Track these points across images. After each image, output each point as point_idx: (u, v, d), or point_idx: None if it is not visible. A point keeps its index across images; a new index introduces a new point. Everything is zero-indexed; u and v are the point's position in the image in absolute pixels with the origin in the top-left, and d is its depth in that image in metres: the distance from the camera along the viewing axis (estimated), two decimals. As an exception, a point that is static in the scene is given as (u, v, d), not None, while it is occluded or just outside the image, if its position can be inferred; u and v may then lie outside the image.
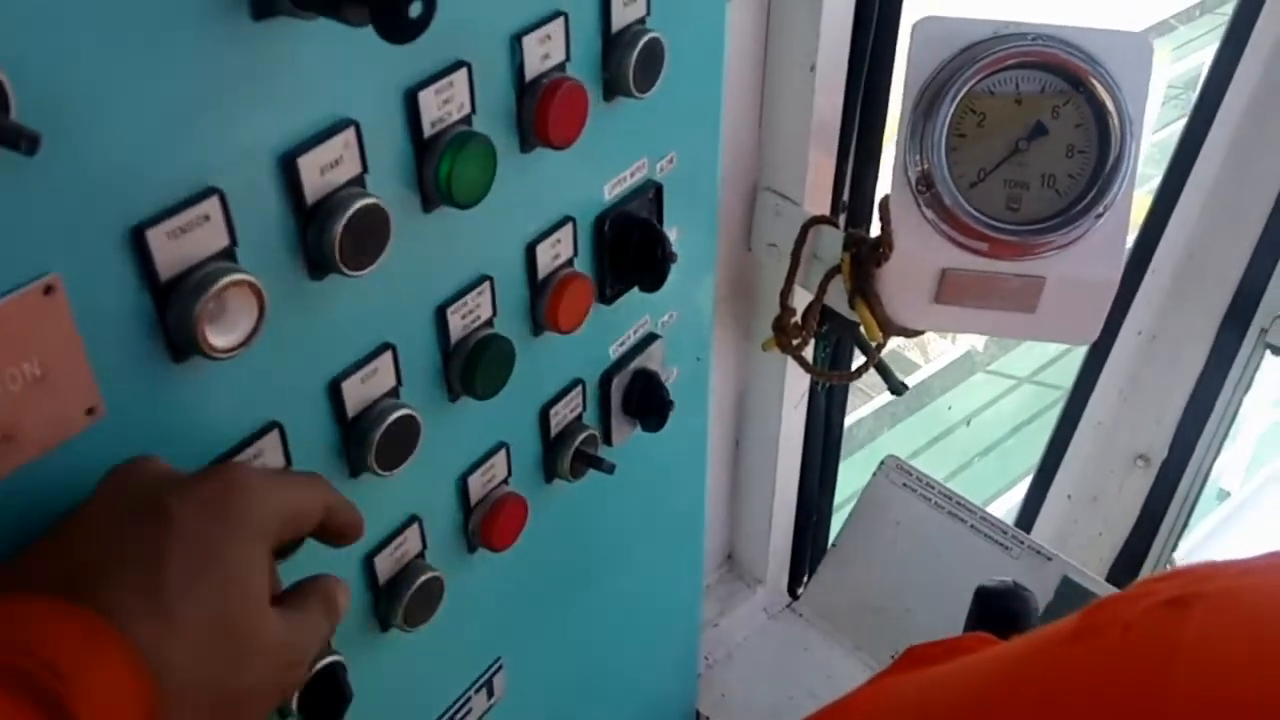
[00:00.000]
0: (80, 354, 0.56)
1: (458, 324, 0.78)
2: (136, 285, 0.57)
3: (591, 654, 1.18)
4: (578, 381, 0.94)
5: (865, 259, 1.13)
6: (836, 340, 1.35)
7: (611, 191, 0.88)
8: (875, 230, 1.13)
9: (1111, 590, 1.33)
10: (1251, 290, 1.62)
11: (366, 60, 0.64)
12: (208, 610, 0.52)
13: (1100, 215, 1.02)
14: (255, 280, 0.60)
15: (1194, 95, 1.56)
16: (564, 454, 0.94)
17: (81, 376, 0.56)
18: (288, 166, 0.62)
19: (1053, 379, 7.24)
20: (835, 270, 1.18)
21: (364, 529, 0.65)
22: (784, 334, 1.24)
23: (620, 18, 0.79)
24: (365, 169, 0.66)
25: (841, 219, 1.26)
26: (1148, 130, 1.00)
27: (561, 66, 0.76)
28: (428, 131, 0.69)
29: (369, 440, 0.72)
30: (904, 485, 1.48)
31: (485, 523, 0.88)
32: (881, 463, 1.51)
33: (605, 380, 0.97)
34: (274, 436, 0.68)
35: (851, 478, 1.69)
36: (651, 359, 1.01)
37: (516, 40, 0.72)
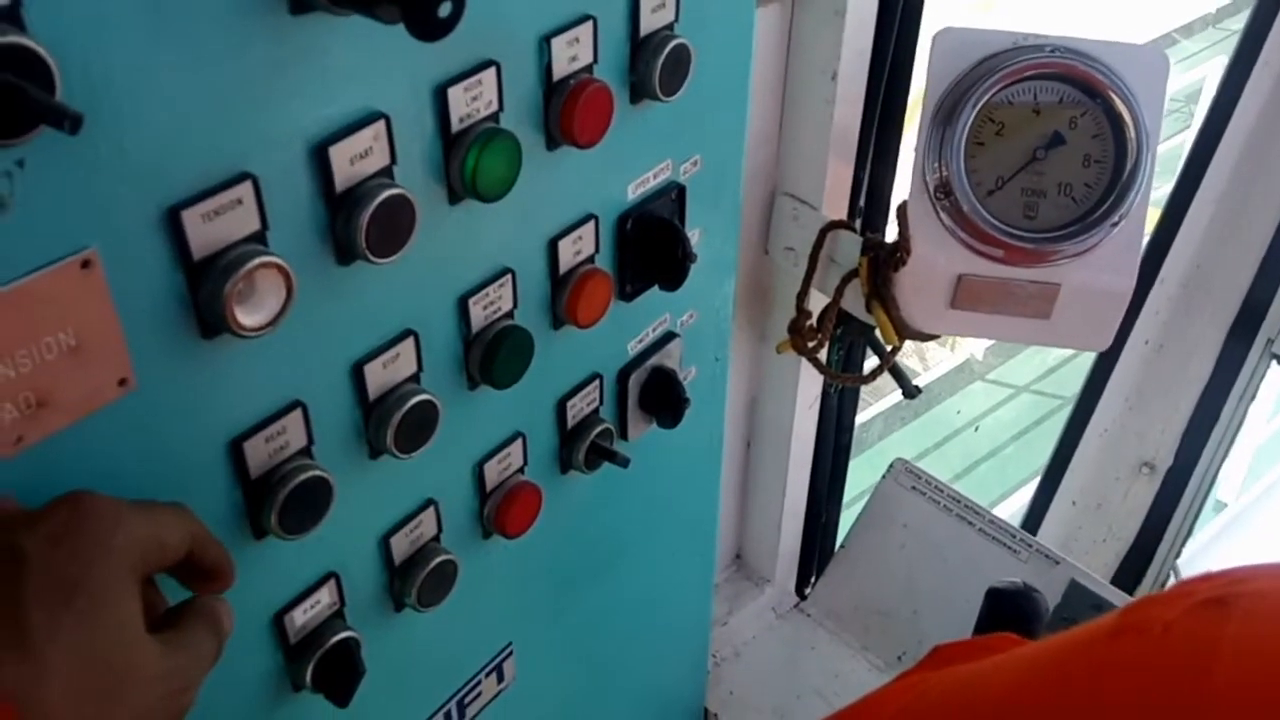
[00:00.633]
0: (115, 327, 0.58)
1: (479, 314, 0.80)
2: (170, 263, 0.59)
3: (600, 646, 1.19)
4: (595, 376, 0.96)
5: (883, 263, 1.15)
6: (850, 343, 1.36)
7: (635, 191, 0.90)
8: (892, 235, 1.14)
9: (1119, 594, 1.34)
10: (1258, 301, 1.63)
11: (398, 56, 0.66)
12: (77, 645, 0.50)
13: (1116, 224, 1.03)
14: (284, 263, 0.62)
15: (1196, 109, 1.57)
16: (579, 446, 0.96)
17: (115, 348, 0.58)
18: (319, 156, 0.64)
19: (1051, 388, 7.23)
20: (852, 274, 1.19)
21: (235, 574, 0.63)
22: (799, 336, 1.26)
23: (649, 23, 0.81)
24: (394, 160, 0.68)
25: (858, 224, 1.28)
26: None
27: (589, 68, 0.78)
28: (455, 127, 0.71)
29: (389, 423, 0.74)
30: (913, 488, 1.49)
31: (500, 509, 0.90)
32: (891, 465, 1.52)
33: (623, 376, 0.99)
34: (297, 415, 0.70)
35: (857, 479, 1.70)
36: (669, 357, 1.03)
37: (545, 41, 0.74)
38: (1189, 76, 7.78)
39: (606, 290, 0.89)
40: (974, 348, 7.38)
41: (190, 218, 0.59)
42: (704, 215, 0.98)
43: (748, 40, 0.93)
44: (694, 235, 0.97)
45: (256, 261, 0.61)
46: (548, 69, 0.75)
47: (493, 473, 0.89)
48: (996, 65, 1.02)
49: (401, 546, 0.84)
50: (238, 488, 0.69)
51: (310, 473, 0.70)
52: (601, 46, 0.78)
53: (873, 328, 1.20)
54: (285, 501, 0.69)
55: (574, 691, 1.19)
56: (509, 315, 0.83)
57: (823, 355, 1.29)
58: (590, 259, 0.88)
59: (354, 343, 0.73)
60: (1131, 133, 1.01)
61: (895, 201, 1.16)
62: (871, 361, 1.31)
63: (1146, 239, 1.65)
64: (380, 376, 0.75)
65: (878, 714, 0.60)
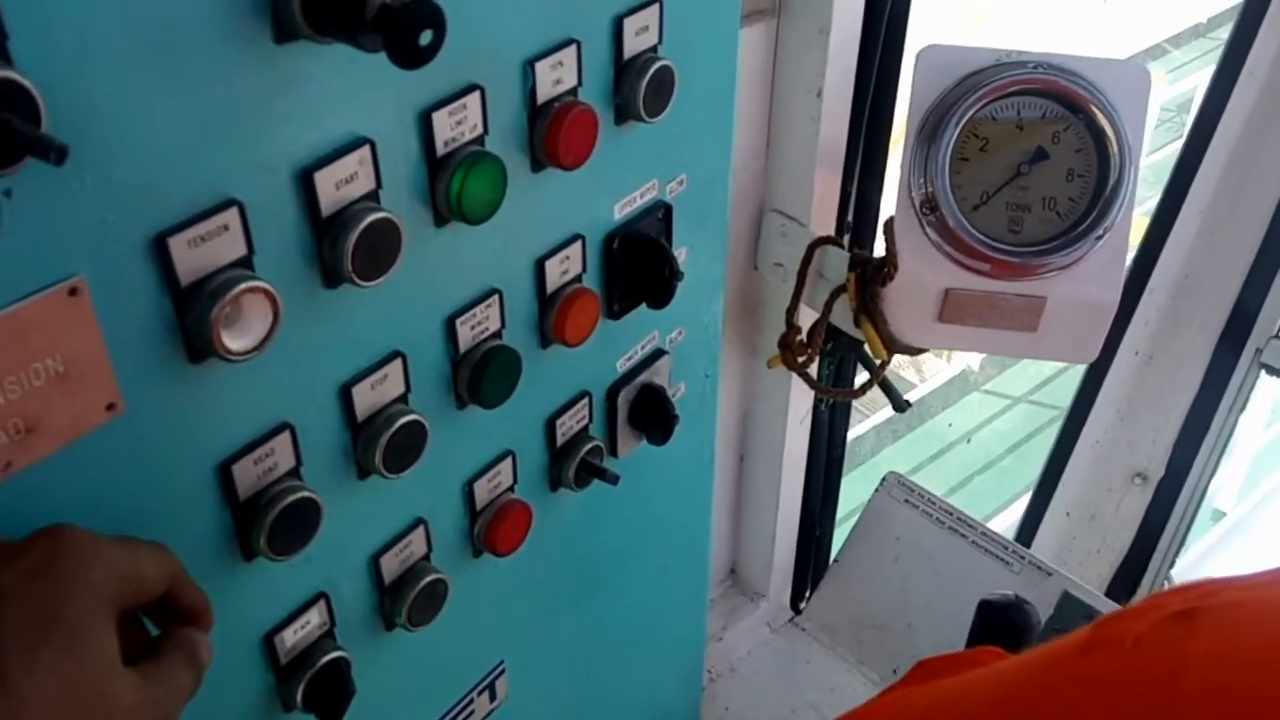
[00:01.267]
0: (102, 353, 0.58)
1: (466, 334, 0.81)
2: (157, 289, 0.60)
3: (594, 663, 1.20)
4: (584, 393, 0.96)
5: (870, 278, 1.16)
6: (840, 358, 1.37)
7: (621, 211, 0.91)
8: (880, 250, 1.15)
9: (1112, 605, 1.34)
10: (1247, 311, 1.64)
11: (382, 82, 0.66)
12: (55, 679, 0.50)
13: (1100, 237, 1.04)
14: (271, 287, 0.63)
15: (1188, 118, 1.59)
16: (569, 464, 0.96)
17: (102, 374, 0.59)
18: (305, 181, 0.65)
19: (1048, 399, 7.24)
20: (840, 289, 1.20)
21: (213, 617, 0.64)
22: (789, 351, 1.26)
23: (632, 45, 0.82)
24: (379, 185, 0.69)
25: (846, 239, 1.28)
26: (1142, 153, 1.03)
27: (573, 91, 0.79)
28: (440, 150, 0.72)
29: (377, 444, 0.75)
30: (905, 501, 1.50)
31: (490, 528, 0.91)
32: (883, 479, 1.53)
33: (612, 393, 0.99)
34: (285, 437, 0.71)
35: (851, 494, 1.71)
36: (659, 374, 1.03)
37: (529, 65, 0.75)
38: (1179, 87, 7.84)
39: (594, 309, 0.90)
40: (970, 359, 7.40)
41: (177, 244, 0.59)
42: (691, 233, 0.99)
43: (731, 60, 0.94)
44: (681, 253, 0.98)
45: (243, 286, 0.61)
46: (532, 92, 0.76)
47: (482, 491, 0.89)
48: (980, 82, 1.03)
49: (391, 566, 0.84)
50: (227, 510, 0.70)
51: (299, 494, 0.71)
52: (585, 69, 0.79)
53: (862, 342, 1.21)
54: (274, 523, 0.70)
55: (567, 709, 1.19)
56: (497, 335, 0.83)
57: (813, 370, 1.30)
58: (577, 278, 0.88)
59: (342, 365, 0.73)
60: (1114, 147, 1.02)
61: (882, 217, 1.17)
62: (862, 376, 1.32)
63: (1133, 251, 1.67)
64: (368, 398, 0.75)
65: None
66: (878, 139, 1.23)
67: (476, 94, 0.72)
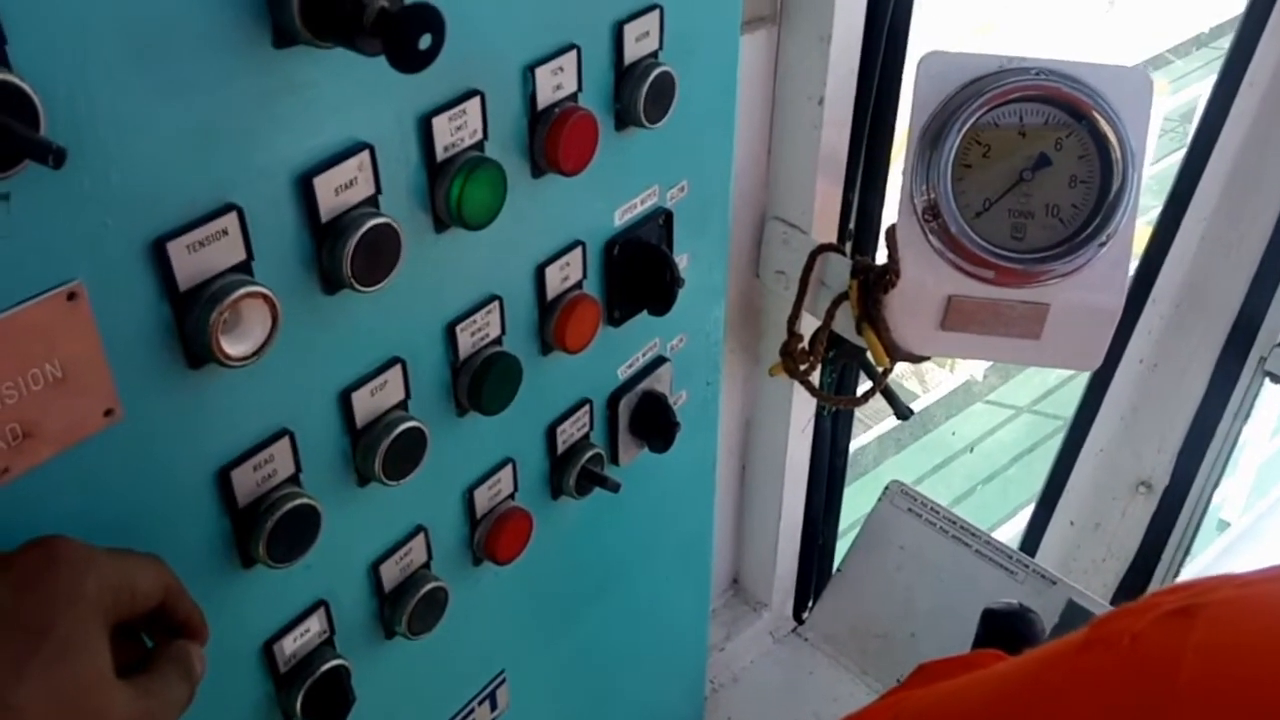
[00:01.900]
0: (100, 358, 0.58)
1: (467, 341, 0.81)
2: (156, 294, 0.60)
3: (596, 672, 1.19)
4: (585, 401, 0.96)
5: (873, 286, 1.15)
6: (843, 366, 1.36)
7: (622, 217, 0.90)
8: (882, 258, 1.15)
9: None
10: (1251, 319, 1.64)
11: (382, 87, 0.66)
12: (46, 691, 0.50)
13: (1103, 244, 1.04)
14: (270, 293, 0.62)
15: (1190, 128, 1.58)
16: (570, 471, 0.96)
17: (101, 379, 0.59)
18: (304, 186, 0.65)
19: (1051, 409, 7.24)
20: (842, 297, 1.20)
21: (208, 631, 0.64)
22: (791, 359, 1.26)
23: (633, 51, 0.82)
24: (379, 190, 0.69)
25: (848, 247, 1.28)
26: (1145, 162, 1.02)
27: (574, 97, 0.79)
28: (440, 156, 0.72)
29: (377, 450, 0.75)
30: (909, 510, 1.49)
31: (490, 536, 0.90)
32: (886, 488, 1.52)
33: (613, 401, 0.99)
34: (285, 443, 0.70)
35: (855, 504, 1.70)
36: (660, 381, 1.03)
37: (529, 71, 0.75)
38: (1182, 96, 7.85)
39: (595, 316, 0.89)
40: (974, 369, 7.40)
41: (176, 249, 0.59)
42: (692, 240, 0.98)
43: (732, 67, 0.94)
44: (682, 260, 0.98)
45: (242, 291, 0.61)
46: (532, 98, 0.76)
47: (483, 499, 0.89)
48: (982, 88, 1.03)
49: (391, 574, 0.84)
50: (225, 516, 0.69)
51: (298, 501, 0.70)
52: (586, 75, 0.79)
53: (864, 350, 1.21)
54: (273, 530, 0.70)
55: (569, 719, 1.19)
56: (497, 342, 0.83)
57: (815, 378, 1.30)
58: (578, 285, 0.88)
59: (341, 371, 0.73)
60: (1117, 153, 1.02)
61: (884, 224, 1.17)
62: (865, 384, 1.31)
63: (1137, 259, 1.66)
64: (368, 404, 0.75)
65: None
66: (879, 146, 1.23)
67: (477, 99, 0.72)
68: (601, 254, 0.90)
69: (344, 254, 0.66)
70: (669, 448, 1.03)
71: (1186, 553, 1.88)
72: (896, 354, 1.17)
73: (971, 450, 7.14)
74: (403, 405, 0.78)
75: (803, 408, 1.44)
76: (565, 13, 0.76)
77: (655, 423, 1.02)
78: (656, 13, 0.82)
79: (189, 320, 0.61)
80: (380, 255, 0.68)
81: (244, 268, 0.63)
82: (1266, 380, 1.68)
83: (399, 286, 0.70)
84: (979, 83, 1.03)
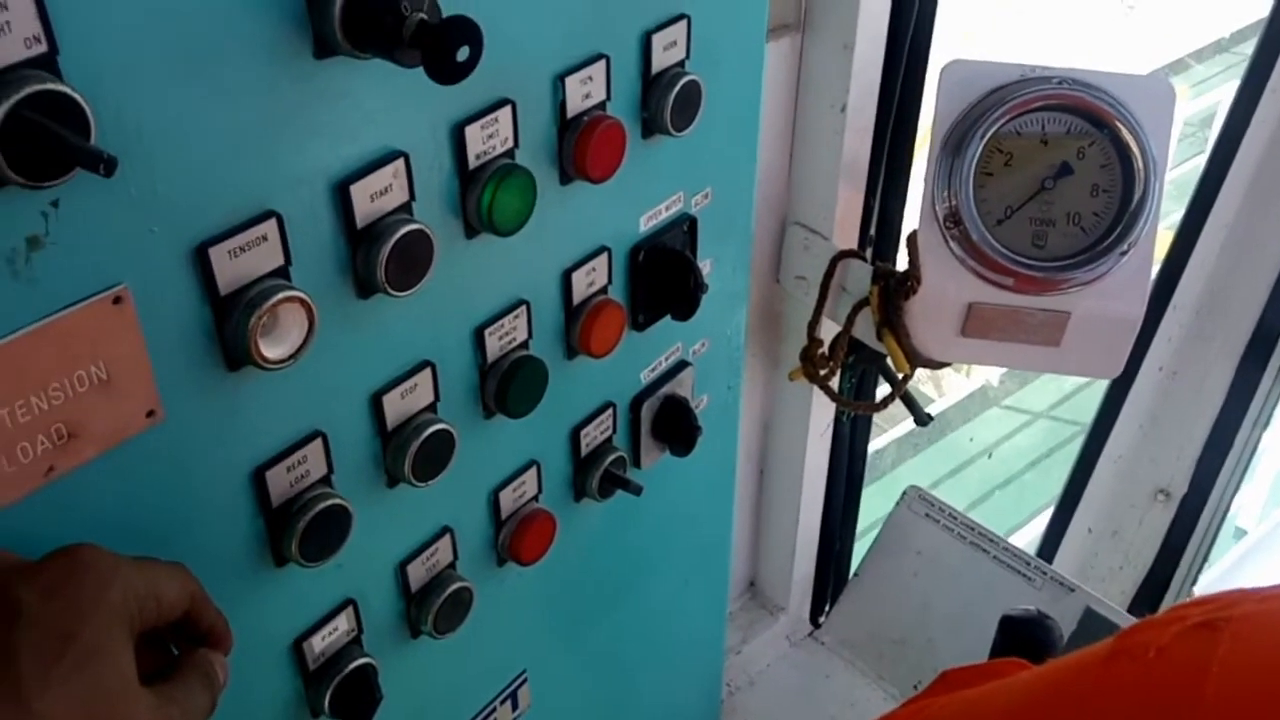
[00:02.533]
0: (144, 360, 0.60)
1: (494, 345, 0.82)
2: (198, 298, 0.61)
3: (615, 673, 1.20)
4: (609, 404, 0.97)
5: (893, 292, 1.16)
6: (862, 371, 1.37)
7: (647, 223, 0.91)
8: (902, 264, 1.15)
9: (1134, 621, 1.33)
10: (1271, 327, 1.64)
11: (417, 97, 0.68)
12: (70, 697, 0.51)
13: (1125, 253, 1.04)
14: (306, 297, 0.64)
15: (1209, 133, 1.58)
16: (593, 474, 0.97)
17: (144, 381, 0.60)
18: (341, 193, 0.66)
19: (1068, 415, 7.20)
20: (863, 303, 1.20)
21: (232, 640, 0.65)
22: (811, 364, 1.27)
23: (660, 60, 0.83)
24: (413, 197, 0.70)
25: (869, 253, 1.29)
26: (1166, 168, 1.03)
27: (602, 105, 0.80)
28: (472, 163, 0.73)
29: (406, 452, 0.76)
30: (926, 515, 1.49)
31: (515, 537, 0.91)
32: (904, 493, 1.52)
33: (636, 404, 1.00)
34: (318, 444, 0.72)
35: (871, 506, 1.71)
36: (682, 385, 1.04)
37: (559, 80, 0.76)
38: (1203, 101, 7.80)
39: (619, 320, 0.90)
40: (990, 374, 7.37)
41: (217, 254, 0.61)
42: (715, 246, 0.99)
43: (757, 75, 0.95)
44: (706, 265, 0.99)
45: (280, 296, 0.62)
46: (562, 106, 0.77)
47: (508, 501, 0.90)
48: (1004, 97, 1.03)
49: (418, 574, 0.85)
50: (259, 516, 0.71)
51: (330, 501, 0.72)
52: (614, 84, 0.80)
53: (884, 356, 1.21)
54: (305, 530, 0.71)
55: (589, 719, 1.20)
56: (524, 345, 0.84)
57: (835, 383, 1.30)
58: (603, 290, 0.89)
59: (373, 373, 0.74)
60: (1139, 162, 1.02)
61: (905, 231, 1.18)
62: (884, 389, 1.32)
63: (1158, 265, 1.66)
64: (398, 406, 0.76)
65: None
66: (901, 153, 1.23)
67: (508, 108, 0.73)
68: (627, 259, 0.91)
69: (378, 260, 0.67)
70: (690, 451, 1.04)
71: (1204, 561, 1.87)
72: (916, 360, 1.18)
73: (990, 456, 7.12)
74: (432, 408, 0.79)
75: (822, 412, 1.44)
76: (595, 23, 0.77)
77: (677, 426, 1.03)
78: (684, 22, 0.83)
79: (229, 323, 0.62)
80: (413, 261, 0.69)
81: (282, 272, 0.64)
82: (1287, 388, 1.67)
83: (430, 291, 0.71)
84: (1001, 91, 1.04)
